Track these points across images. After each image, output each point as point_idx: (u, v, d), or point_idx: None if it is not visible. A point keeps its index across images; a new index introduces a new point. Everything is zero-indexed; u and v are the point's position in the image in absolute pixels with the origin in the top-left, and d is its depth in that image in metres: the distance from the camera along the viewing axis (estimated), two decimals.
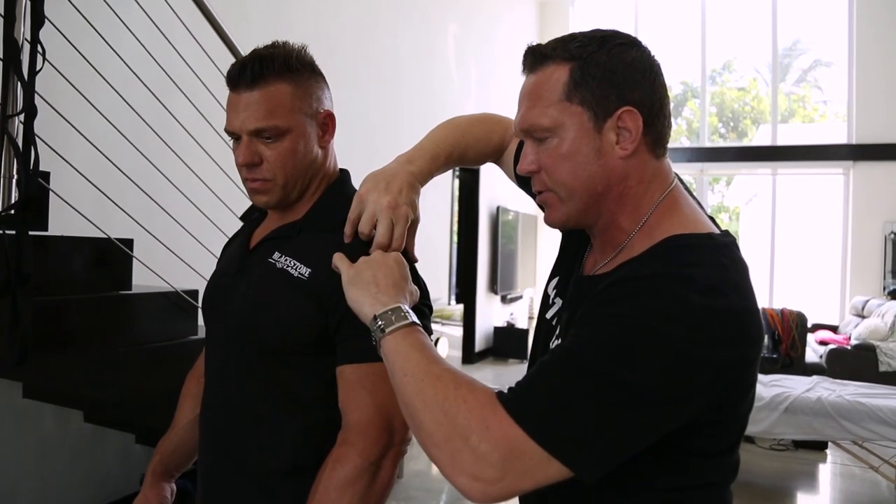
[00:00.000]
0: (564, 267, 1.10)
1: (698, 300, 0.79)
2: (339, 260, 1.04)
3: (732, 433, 0.90)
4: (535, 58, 0.94)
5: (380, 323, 0.91)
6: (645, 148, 0.92)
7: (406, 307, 0.93)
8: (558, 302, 1.06)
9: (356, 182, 1.17)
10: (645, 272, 0.84)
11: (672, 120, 0.96)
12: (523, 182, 1.20)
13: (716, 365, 0.79)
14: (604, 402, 0.77)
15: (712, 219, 0.96)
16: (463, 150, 1.21)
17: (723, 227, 0.95)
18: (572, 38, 0.92)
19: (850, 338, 7.14)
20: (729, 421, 0.88)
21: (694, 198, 0.98)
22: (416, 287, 1.04)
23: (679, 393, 0.78)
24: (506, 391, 0.83)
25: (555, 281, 1.11)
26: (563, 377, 0.79)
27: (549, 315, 1.07)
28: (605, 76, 0.88)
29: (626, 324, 0.79)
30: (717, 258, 0.85)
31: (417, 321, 0.92)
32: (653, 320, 0.78)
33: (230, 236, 1.43)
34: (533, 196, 1.13)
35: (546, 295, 1.12)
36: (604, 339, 0.79)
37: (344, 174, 1.29)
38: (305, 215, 1.22)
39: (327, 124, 1.22)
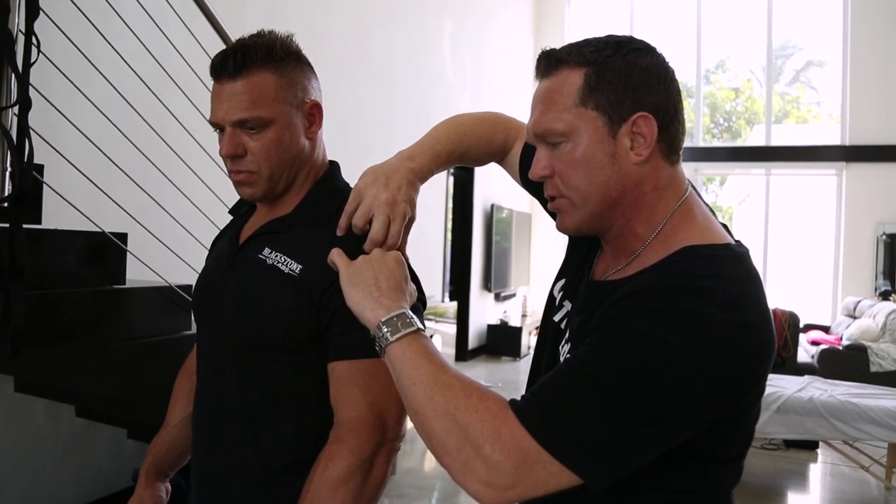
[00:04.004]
0: (572, 269, 1.09)
1: (717, 314, 0.78)
2: (336, 256, 1.02)
3: (742, 439, 0.91)
4: (550, 62, 0.93)
5: (385, 330, 0.89)
6: (659, 154, 0.91)
7: (410, 312, 0.92)
8: (567, 305, 1.04)
9: (354, 176, 1.16)
10: (662, 284, 0.84)
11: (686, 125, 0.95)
12: (529, 184, 1.19)
13: (731, 379, 0.79)
14: (618, 416, 0.77)
15: (725, 227, 0.96)
16: (464, 150, 1.20)
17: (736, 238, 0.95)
18: (586, 42, 0.92)
19: (841, 338, 7.17)
20: (740, 428, 0.88)
21: (706, 204, 0.98)
22: (413, 286, 1.02)
23: (693, 407, 0.79)
24: (518, 399, 0.83)
25: (561, 283, 1.10)
26: (578, 389, 0.79)
27: (556, 318, 1.06)
28: (621, 81, 0.88)
29: (643, 340, 0.78)
30: (735, 270, 0.85)
31: (422, 327, 0.91)
32: (671, 336, 0.77)
33: (220, 231, 1.42)
34: (539, 199, 1.12)
35: (552, 297, 1.10)
36: (620, 355, 0.79)
37: (333, 166, 1.26)
38: (295, 209, 1.19)
39: (314, 115, 1.19)
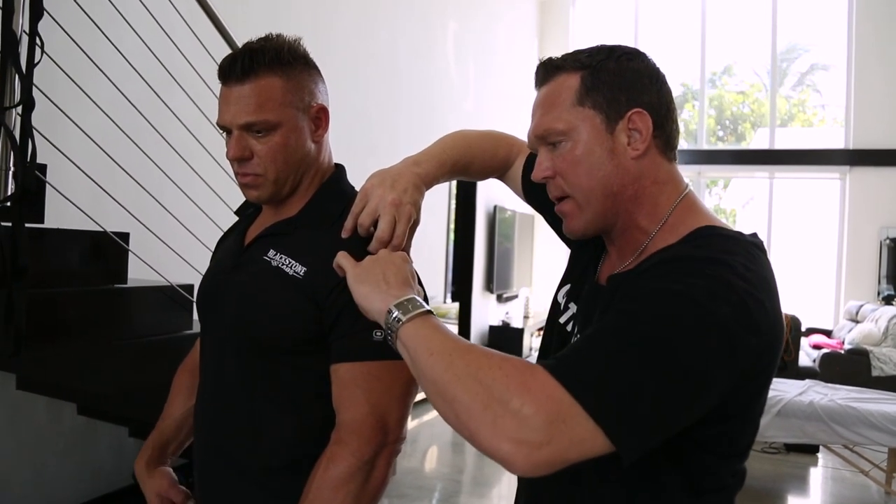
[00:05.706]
0: (576, 275, 1.11)
1: (739, 282, 0.81)
2: (342, 258, 1.03)
3: (748, 433, 0.92)
4: (547, 70, 0.99)
5: (396, 314, 0.89)
6: (656, 150, 0.95)
7: (419, 298, 0.92)
8: (573, 307, 1.06)
9: (358, 177, 1.17)
10: (686, 254, 0.87)
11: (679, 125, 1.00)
12: (531, 197, 1.22)
13: (752, 347, 0.81)
14: (649, 370, 0.76)
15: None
16: (469, 161, 1.23)
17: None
18: (580, 51, 0.98)
19: (843, 342, 7.17)
20: (747, 416, 0.90)
21: None
22: (420, 289, 1.03)
23: (719, 367, 0.79)
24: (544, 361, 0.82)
25: (566, 289, 1.11)
26: (608, 342, 0.79)
27: (562, 320, 1.07)
28: (615, 81, 0.94)
29: (674, 298, 0.80)
30: (750, 251, 0.88)
31: (432, 311, 0.91)
32: (700, 297, 0.79)
33: (225, 231, 1.43)
34: (541, 211, 1.16)
35: (556, 303, 1.12)
36: (653, 311, 0.80)
37: (339, 169, 1.27)
38: (300, 212, 1.20)
39: (320, 118, 1.20)
